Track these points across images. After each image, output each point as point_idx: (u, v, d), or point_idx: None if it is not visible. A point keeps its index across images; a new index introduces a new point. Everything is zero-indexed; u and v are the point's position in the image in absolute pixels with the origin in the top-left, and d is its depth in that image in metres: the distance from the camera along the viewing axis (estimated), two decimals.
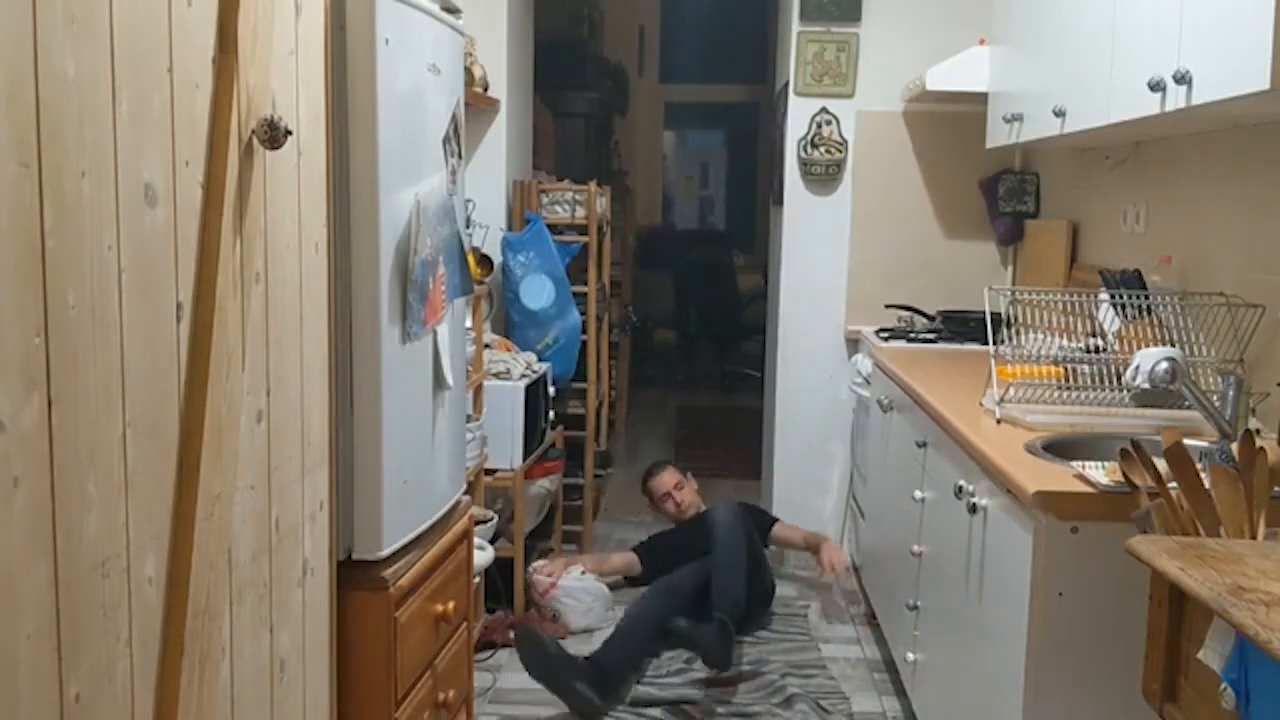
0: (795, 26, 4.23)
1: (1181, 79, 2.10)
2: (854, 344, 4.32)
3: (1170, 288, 2.74)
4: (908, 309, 4.20)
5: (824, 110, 4.26)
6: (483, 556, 3.15)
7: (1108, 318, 2.75)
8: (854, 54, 4.23)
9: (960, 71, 3.73)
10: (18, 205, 1.10)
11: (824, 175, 4.29)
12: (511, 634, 3.35)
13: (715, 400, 7.86)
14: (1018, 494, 2.02)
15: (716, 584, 3.41)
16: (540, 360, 4.01)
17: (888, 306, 4.22)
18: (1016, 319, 2.66)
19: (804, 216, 4.35)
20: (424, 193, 2.19)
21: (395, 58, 2.07)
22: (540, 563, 3.89)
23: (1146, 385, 2.31)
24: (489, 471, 3.58)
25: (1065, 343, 2.71)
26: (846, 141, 4.27)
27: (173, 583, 1.41)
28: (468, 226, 3.47)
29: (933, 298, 4.21)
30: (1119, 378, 2.49)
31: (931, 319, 4.11)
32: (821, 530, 4.38)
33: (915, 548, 2.93)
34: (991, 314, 2.61)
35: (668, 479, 4.15)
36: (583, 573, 3.82)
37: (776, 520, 4.17)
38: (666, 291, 8.44)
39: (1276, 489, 1.64)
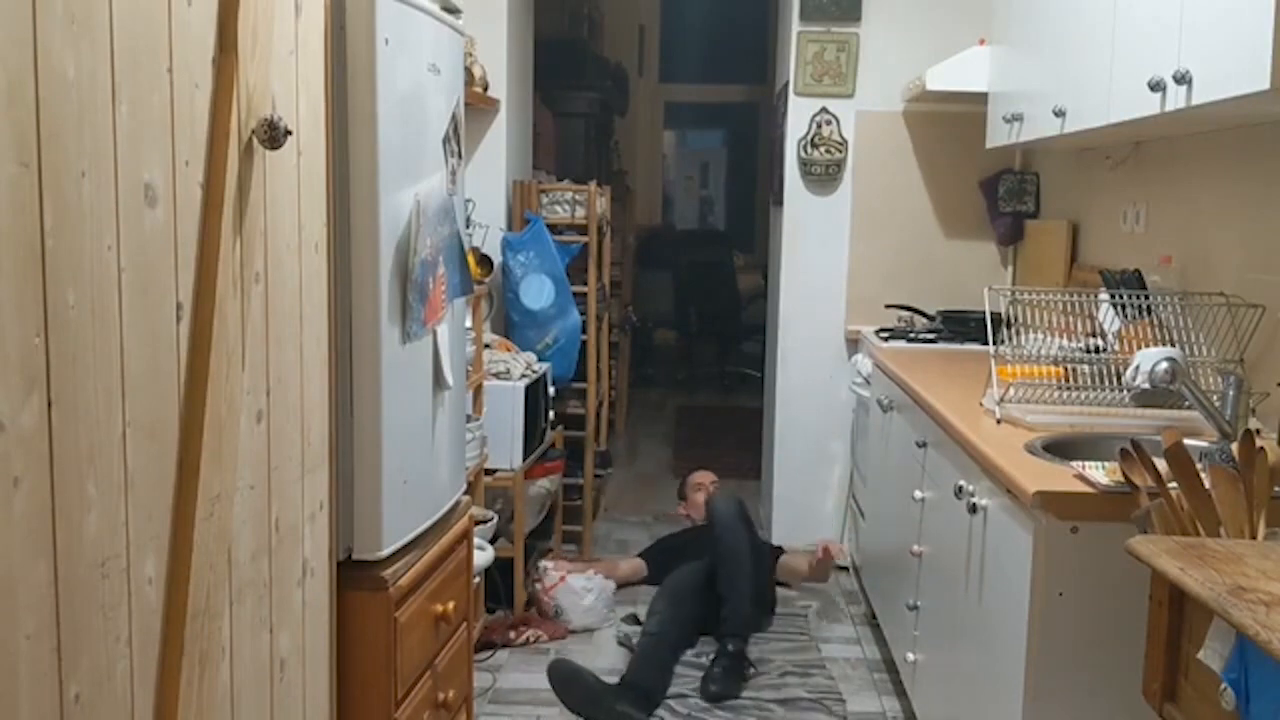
0: (795, 26, 4.24)
1: (1181, 79, 2.10)
2: (854, 344, 4.31)
3: (1170, 288, 2.74)
4: (908, 309, 4.20)
5: (824, 110, 4.27)
6: (483, 556, 3.15)
7: (1108, 318, 2.75)
8: (854, 54, 4.23)
9: (960, 71, 3.73)
10: (18, 205, 1.10)
11: (824, 175, 4.29)
12: (545, 669, 3.28)
13: (715, 400, 7.85)
14: (1018, 494, 2.02)
15: (724, 603, 3.45)
16: (540, 360, 4.01)
17: (888, 306, 4.22)
18: (1016, 319, 2.66)
19: (804, 216, 4.35)
20: (424, 193, 2.18)
21: (395, 58, 2.07)
22: (554, 561, 3.90)
23: (1146, 385, 2.31)
24: (489, 471, 3.58)
25: (1065, 343, 2.71)
26: (846, 141, 4.27)
27: (173, 583, 1.41)
28: (468, 226, 3.47)
29: (933, 298, 4.21)
30: (1119, 378, 2.49)
31: (931, 319, 4.11)
32: (821, 531, 4.38)
33: (915, 548, 2.93)
34: (991, 314, 2.61)
35: (705, 477, 4.49)
36: (592, 574, 3.83)
37: (781, 550, 4.17)
38: (666, 291, 8.43)
39: (1276, 489, 1.64)
